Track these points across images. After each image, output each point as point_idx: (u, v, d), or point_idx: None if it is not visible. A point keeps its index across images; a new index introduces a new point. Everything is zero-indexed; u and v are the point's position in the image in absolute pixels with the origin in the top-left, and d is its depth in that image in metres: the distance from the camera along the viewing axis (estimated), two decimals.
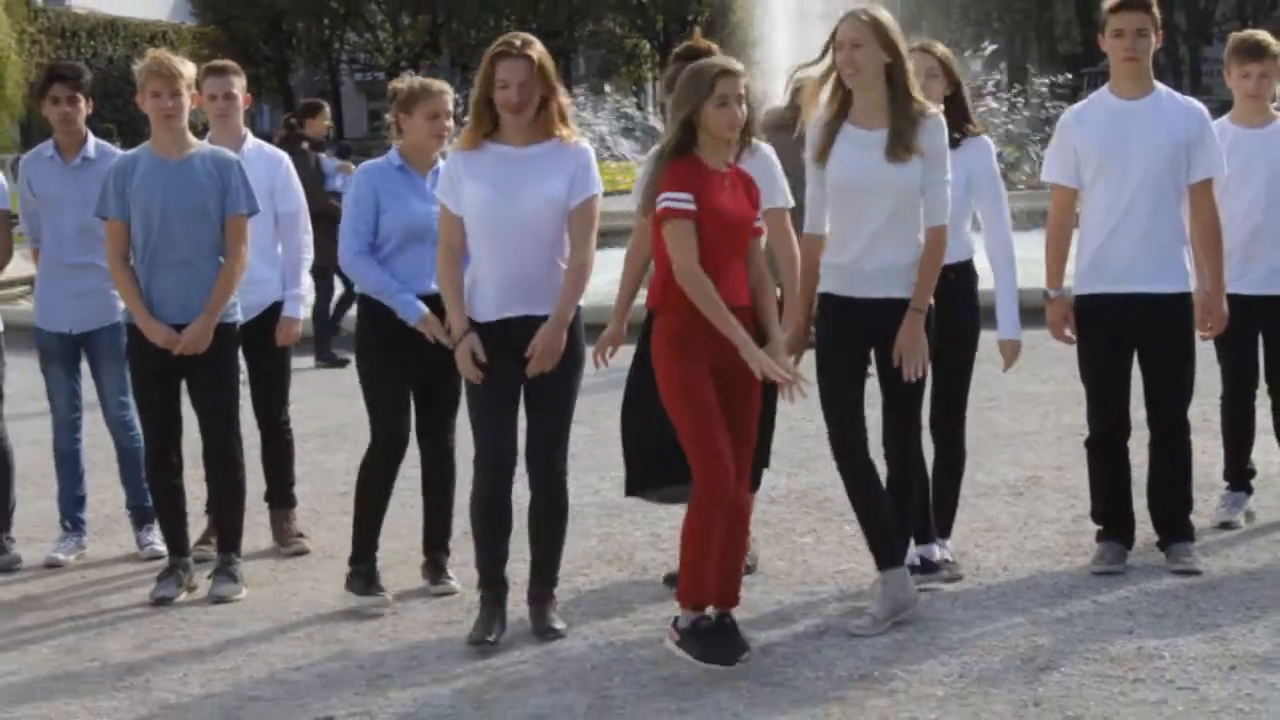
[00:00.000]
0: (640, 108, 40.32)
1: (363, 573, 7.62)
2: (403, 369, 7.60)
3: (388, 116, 7.90)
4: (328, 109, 17.04)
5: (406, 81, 7.76)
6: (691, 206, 6.44)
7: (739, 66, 6.68)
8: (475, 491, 7.14)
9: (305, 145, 15.81)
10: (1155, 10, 7.66)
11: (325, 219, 14.91)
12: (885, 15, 6.93)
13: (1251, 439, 8.66)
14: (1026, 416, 11.31)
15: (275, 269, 8.73)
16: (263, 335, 8.57)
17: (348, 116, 75.89)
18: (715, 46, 7.71)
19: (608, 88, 42.44)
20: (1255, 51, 8.43)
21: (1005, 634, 6.73)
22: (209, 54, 69.43)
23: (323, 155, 16.37)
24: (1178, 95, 7.86)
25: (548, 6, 70.81)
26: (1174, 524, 7.74)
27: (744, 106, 6.60)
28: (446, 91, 7.83)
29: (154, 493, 8.21)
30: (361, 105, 77.67)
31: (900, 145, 6.79)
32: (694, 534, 6.46)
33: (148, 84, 7.86)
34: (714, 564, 6.49)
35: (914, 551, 7.34)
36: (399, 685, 6.62)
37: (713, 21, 69.00)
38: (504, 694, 6.49)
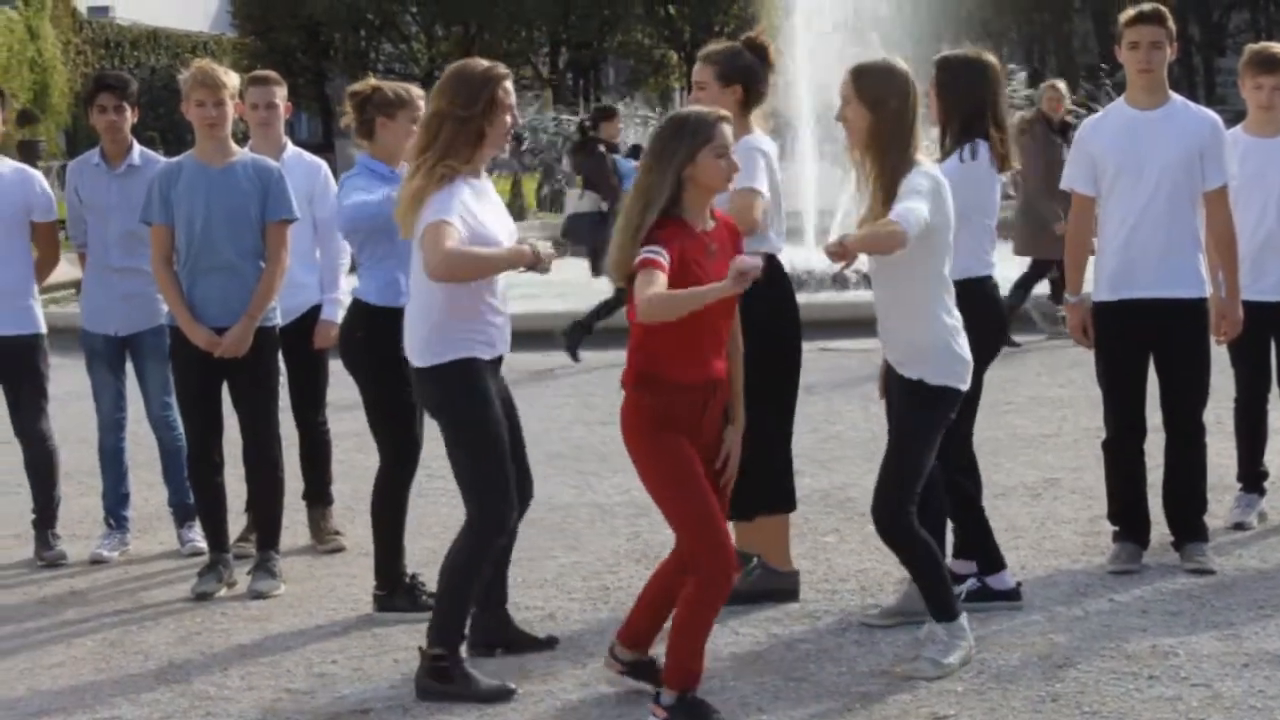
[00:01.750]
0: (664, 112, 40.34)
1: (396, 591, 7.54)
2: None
3: (346, 120, 7.67)
4: (620, 113, 17.03)
5: (389, 86, 7.63)
6: (665, 260, 5.77)
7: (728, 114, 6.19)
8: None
9: (601, 148, 15.86)
10: (1170, 23, 7.72)
11: None
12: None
13: (1264, 442, 8.66)
14: (1045, 420, 11.28)
15: (314, 274, 8.75)
16: (301, 338, 8.57)
17: None
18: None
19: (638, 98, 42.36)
20: (1269, 64, 8.44)
21: (1023, 631, 6.74)
22: (249, 64, 69.60)
23: (618, 157, 16.35)
24: (1192, 105, 7.90)
25: (578, 18, 70.74)
26: (1189, 525, 7.74)
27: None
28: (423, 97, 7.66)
29: (196, 491, 8.25)
30: None
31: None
32: (702, 622, 5.95)
33: (192, 93, 7.90)
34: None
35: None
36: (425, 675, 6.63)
37: (737, 33, 69.18)
38: (536, 686, 6.50)
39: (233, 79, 8.07)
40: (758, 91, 7.48)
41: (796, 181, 26.55)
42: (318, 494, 8.89)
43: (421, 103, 7.45)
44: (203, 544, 8.41)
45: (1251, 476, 8.61)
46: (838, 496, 7.27)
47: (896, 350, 6.49)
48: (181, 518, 8.82)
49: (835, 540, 7.98)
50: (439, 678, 6.35)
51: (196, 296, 7.87)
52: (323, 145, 72.37)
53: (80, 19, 62.06)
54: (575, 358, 15.05)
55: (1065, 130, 15.13)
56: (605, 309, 15.06)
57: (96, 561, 8.67)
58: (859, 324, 15.46)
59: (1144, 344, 7.68)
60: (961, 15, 70.18)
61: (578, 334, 15.27)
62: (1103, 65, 55.21)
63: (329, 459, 8.90)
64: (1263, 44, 8.81)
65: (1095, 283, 7.79)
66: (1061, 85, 16.14)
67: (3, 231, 8.73)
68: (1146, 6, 7.72)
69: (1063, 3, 68.59)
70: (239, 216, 7.88)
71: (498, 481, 6.45)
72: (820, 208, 24.04)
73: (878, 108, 6.37)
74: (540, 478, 10.02)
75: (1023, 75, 30.18)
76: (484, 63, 6.73)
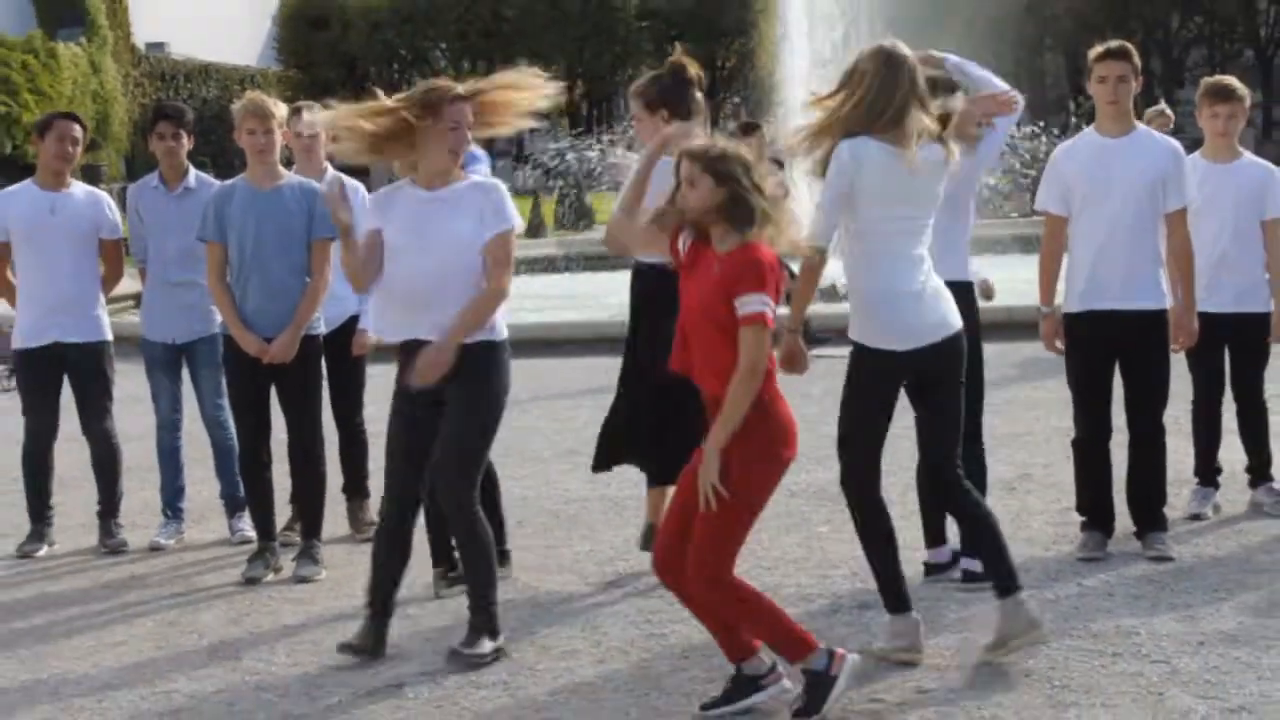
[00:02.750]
0: None
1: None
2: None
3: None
4: (765, 128, 17.00)
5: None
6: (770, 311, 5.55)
7: None
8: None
9: None
10: (1135, 59, 7.74)
11: None
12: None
13: (1218, 440, 8.67)
14: (1019, 420, 11.30)
15: None
16: (341, 345, 8.60)
17: None
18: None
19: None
20: (1224, 94, 8.49)
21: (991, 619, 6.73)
22: (291, 95, 69.55)
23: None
24: (1155, 134, 7.91)
25: (592, 55, 70.82)
26: (1150, 516, 7.77)
27: None
28: None
29: (246, 484, 8.29)
30: None
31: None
32: (763, 609, 5.76)
33: (244, 122, 7.95)
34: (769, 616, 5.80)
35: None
36: (457, 653, 6.63)
37: (738, 67, 69.20)
38: (554, 664, 6.51)
39: (281, 109, 8.13)
40: (682, 110, 7.56)
41: (792, 202, 26.62)
42: (356, 487, 8.91)
43: None
44: (251, 533, 8.43)
45: (1207, 472, 8.64)
46: (830, 491, 7.28)
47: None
48: (232, 509, 8.86)
49: (828, 530, 7.99)
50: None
51: (248, 308, 7.89)
52: (358, 167, 72.39)
53: (139, 54, 62.13)
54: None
55: None
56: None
57: (155, 549, 8.70)
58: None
59: (1110, 352, 7.70)
60: (943, 49, 70.32)
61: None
62: (1074, 99, 55.23)
63: (366, 455, 8.89)
64: (1217, 77, 8.87)
65: (1066, 295, 7.82)
66: (1167, 109, 15.88)
67: (75, 248, 8.80)
68: (1114, 44, 7.78)
69: (1035, 40, 68.54)
70: (287, 235, 7.92)
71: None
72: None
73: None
74: (557, 474, 10.11)
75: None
76: (443, 83, 6.96)
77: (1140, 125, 7.84)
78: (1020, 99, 7.46)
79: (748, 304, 5.54)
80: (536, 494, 9.50)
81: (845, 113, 6.25)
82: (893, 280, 6.27)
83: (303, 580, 7.88)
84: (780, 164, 18.93)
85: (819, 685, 5.71)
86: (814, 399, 9.57)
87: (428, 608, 7.29)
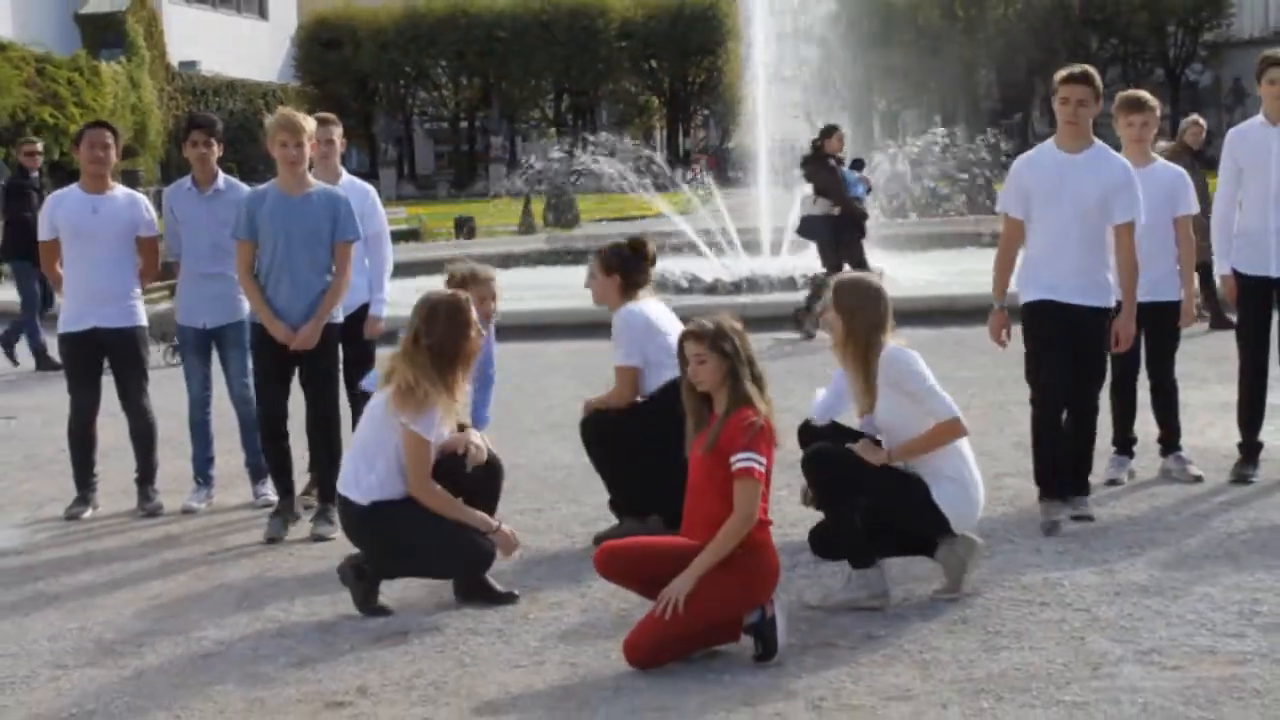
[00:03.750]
0: (652, 150, 40.16)
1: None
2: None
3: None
4: (843, 131, 16.93)
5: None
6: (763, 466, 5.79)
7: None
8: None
9: (832, 161, 15.83)
10: (1097, 83, 7.62)
11: (854, 220, 15.09)
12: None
13: (1133, 414, 8.69)
14: (956, 396, 11.29)
15: (364, 277, 8.70)
16: (354, 329, 8.61)
17: (419, 155, 76.04)
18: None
19: (625, 135, 42.29)
20: (1136, 105, 8.46)
21: (938, 568, 6.74)
22: (309, 108, 68.95)
23: (844, 169, 16.25)
24: (1110, 152, 7.74)
25: (577, 71, 70.71)
26: (1076, 481, 7.77)
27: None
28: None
29: (268, 452, 8.35)
30: (429, 147, 77.71)
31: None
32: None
33: (277, 135, 7.90)
34: None
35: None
36: (457, 605, 6.66)
37: (707, 82, 69.16)
38: (543, 613, 6.52)
39: (310, 123, 8.08)
40: (633, 278, 7.73)
41: (755, 203, 26.62)
42: None
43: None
44: (273, 497, 8.41)
45: (1123, 442, 8.67)
46: (788, 460, 7.26)
47: None
48: (255, 475, 8.84)
49: (787, 494, 7.98)
50: None
51: (278, 302, 7.95)
52: (368, 174, 72.48)
53: (172, 71, 61.87)
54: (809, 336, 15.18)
55: (1199, 156, 14.74)
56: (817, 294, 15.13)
57: (187, 511, 8.69)
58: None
59: (1062, 337, 7.60)
60: (888, 67, 70.41)
61: (801, 316, 15.41)
62: (1003, 118, 55.41)
63: None
64: (1131, 90, 8.82)
65: (1022, 286, 7.76)
66: (1201, 120, 15.76)
67: (115, 244, 8.80)
68: (1077, 69, 7.64)
69: (970, 59, 68.63)
70: (313, 238, 7.95)
71: None
72: (773, 225, 24.08)
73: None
74: (545, 443, 10.11)
75: (941, 129, 30.14)
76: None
77: (1098, 142, 7.70)
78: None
79: (740, 460, 5.74)
80: (527, 462, 9.50)
81: None
82: None
83: (319, 539, 7.87)
84: (861, 163, 19.02)
85: (764, 630, 5.76)
86: (775, 377, 9.56)
87: None
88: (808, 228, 16.30)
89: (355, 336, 8.65)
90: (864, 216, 16.29)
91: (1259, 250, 8.50)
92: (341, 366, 8.54)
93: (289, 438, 8.19)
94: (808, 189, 16.75)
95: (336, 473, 7.56)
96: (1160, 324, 8.52)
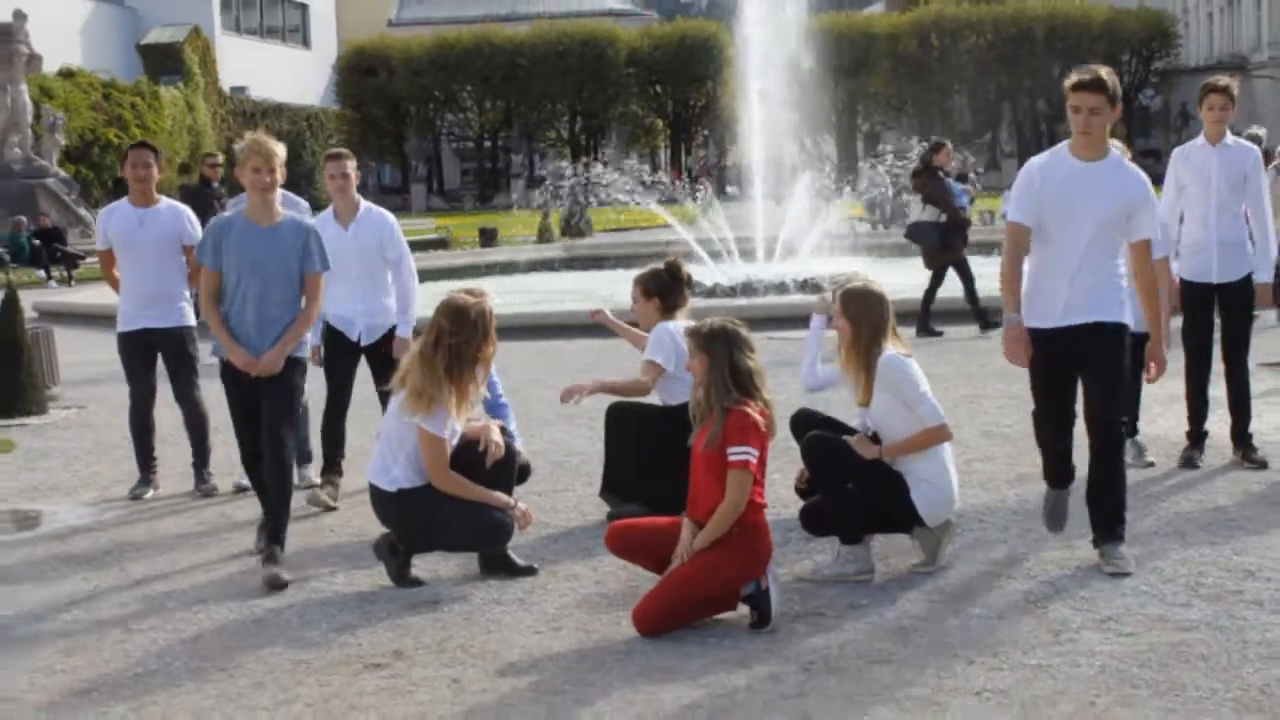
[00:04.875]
0: (654, 169, 40.11)
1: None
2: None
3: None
4: (950, 145, 16.89)
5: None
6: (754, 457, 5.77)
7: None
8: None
9: (940, 173, 15.85)
10: (1110, 88, 6.36)
11: (958, 227, 15.29)
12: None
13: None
14: (931, 388, 11.30)
15: (390, 299, 8.47)
16: (383, 347, 8.41)
17: (447, 171, 76.02)
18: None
19: (632, 154, 42.21)
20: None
21: (916, 545, 6.74)
22: (347, 130, 69.71)
23: (950, 180, 16.25)
24: (1127, 162, 6.59)
25: (588, 95, 70.71)
26: (1107, 518, 6.59)
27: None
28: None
29: (250, 478, 7.32)
30: (456, 164, 77.66)
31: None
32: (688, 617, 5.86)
33: (249, 161, 6.91)
34: None
35: None
36: (482, 577, 6.67)
37: (707, 106, 69.05)
38: (560, 584, 6.53)
39: (281, 149, 7.07)
40: (671, 301, 7.71)
41: (749, 214, 26.63)
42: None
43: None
44: (316, 478, 8.44)
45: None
46: (781, 446, 7.27)
47: None
48: (301, 460, 8.80)
49: (780, 477, 7.98)
50: None
51: (242, 331, 6.93)
52: (400, 189, 72.63)
53: (225, 95, 61.96)
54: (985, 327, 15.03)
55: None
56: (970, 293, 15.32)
57: (239, 491, 8.67)
58: (794, 320, 15.61)
59: (1071, 364, 6.50)
60: (870, 92, 70.39)
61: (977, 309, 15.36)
62: (975, 138, 55.24)
63: None
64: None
65: (1030, 306, 6.51)
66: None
67: (161, 252, 8.80)
68: (1086, 75, 6.39)
69: (944, 83, 68.58)
70: (282, 269, 6.92)
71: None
72: (766, 234, 24.10)
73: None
74: (560, 432, 10.11)
75: (919, 146, 30.17)
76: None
77: (1114, 152, 6.53)
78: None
79: (736, 453, 5.72)
80: (544, 449, 9.49)
81: None
82: None
83: (272, 583, 6.70)
84: (965, 177, 19.00)
85: (760, 600, 5.78)
86: (769, 371, 9.58)
87: None
88: (916, 232, 16.27)
89: (384, 356, 8.31)
90: (967, 223, 16.29)
91: (1201, 259, 8.43)
92: (373, 384, 8.36)
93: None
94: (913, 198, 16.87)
95: (286, 515, 6.98)
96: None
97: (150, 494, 8.79)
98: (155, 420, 8.99)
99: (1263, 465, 8.26)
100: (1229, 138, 8.44)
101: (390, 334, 8.44)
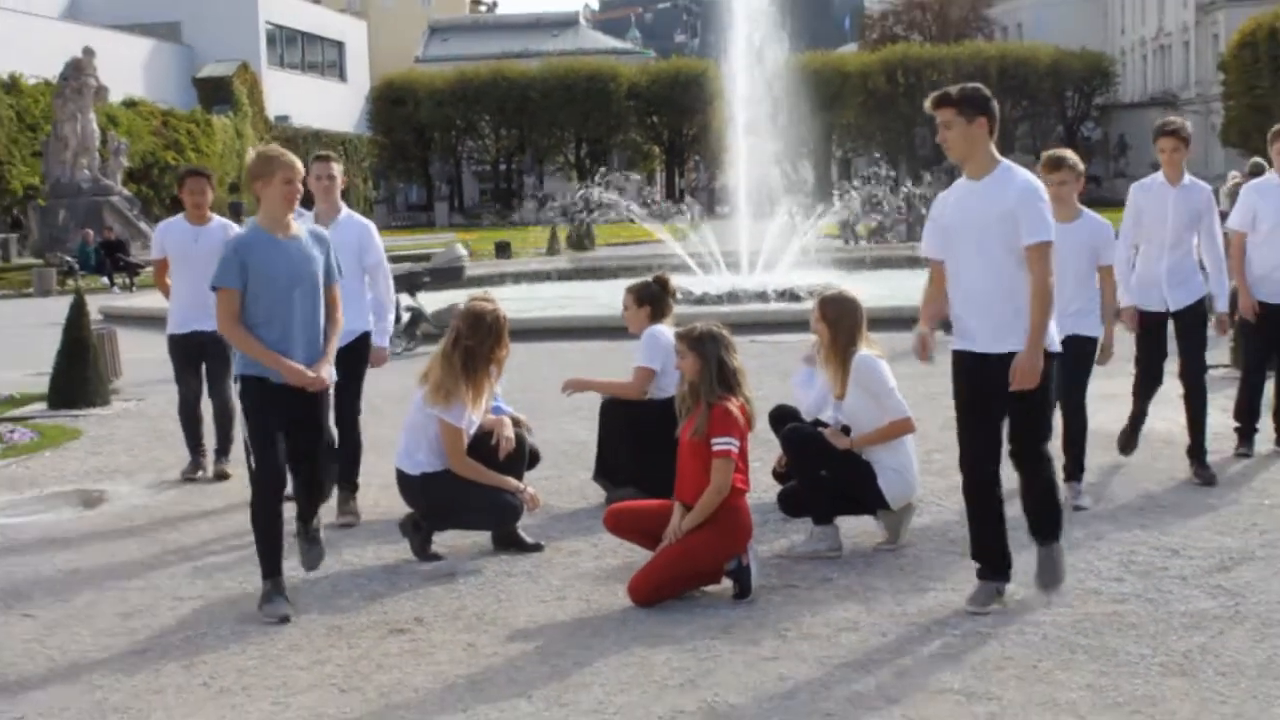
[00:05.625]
0: (650, 185, 40.03)
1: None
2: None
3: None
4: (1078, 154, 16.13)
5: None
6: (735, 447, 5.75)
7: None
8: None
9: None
10: (962, 106, 5.50)
11: None
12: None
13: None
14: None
15: (360, 304, 7.52)
16: (351, 355, 7.25)
17: (467, 191, 75.95)
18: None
19: (633, 176, 42.13)
20: (1055, 164, 7.26)
21: (880, 525, 6.74)
22: (378, 154, 69.70)
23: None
24: (1015, 170, 5.56)
25: (593, 124, 70.72)
26: (1036, 523, 5.78)
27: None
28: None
29: (266, 528, 5.90)
30: (475, 185, 77.52)
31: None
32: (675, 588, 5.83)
33: (278, 173, 5.86)
34: None
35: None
36: (494, 553, 6.66)
37: (698, 134, 68.97)
38: (565, 559, 6.53)
39: (299, 163, 6.07)
40: (659, 309, 7.69)
41: (736, 230, 26.61)
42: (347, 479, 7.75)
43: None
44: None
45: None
46: (761, 438, 7.25)
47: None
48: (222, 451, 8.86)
49: (759, 466, 7.98)
50: None
51: (294, 345, 5.84)
52: (425, 207, 72.60)
53: (270, 123, 61.94)
54: None
55: None
56: None
57: (221, 478, 8.72)
58: (775, 326, 15.64)
59: (987, 392, 5.52)
60: (844, 123, 70.29)
61: None
62: (935, 164, 55.02)
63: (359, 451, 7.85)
64: (1054, 150, 7.58)
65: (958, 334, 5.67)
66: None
67: (211, 266, 7.81)
68: (940, 90, 5.65)
69: (908, 116, 68.51)
70: (313, 280, 5.90)
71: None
72: (750, 249, 24.09)
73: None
74: (565, 424, 10.10)
75: (884, 164, 30.17)
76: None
77: (1003, 164, 5.55)
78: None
79: (719, 443, 5.71)
80: (552, 438, 9.48)
81: None
82: None
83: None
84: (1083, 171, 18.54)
85: (741, 574, 5.77)
86: (752, 372, 9.62)
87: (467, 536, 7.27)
88: None
89: (349, 362, 7.16)
90: None
91: (1154, 292, 7.94)
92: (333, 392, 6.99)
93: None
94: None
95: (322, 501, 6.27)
96: (1075, 355, 6.85)
97: (200, 475, 8.79)
98: (202, 412, 8.98)
99: (1211, 482, 7.70)
100: (1186, 178, 7.90)
101: (356, 341, 7.47)
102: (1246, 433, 8.48)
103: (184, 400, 8.96)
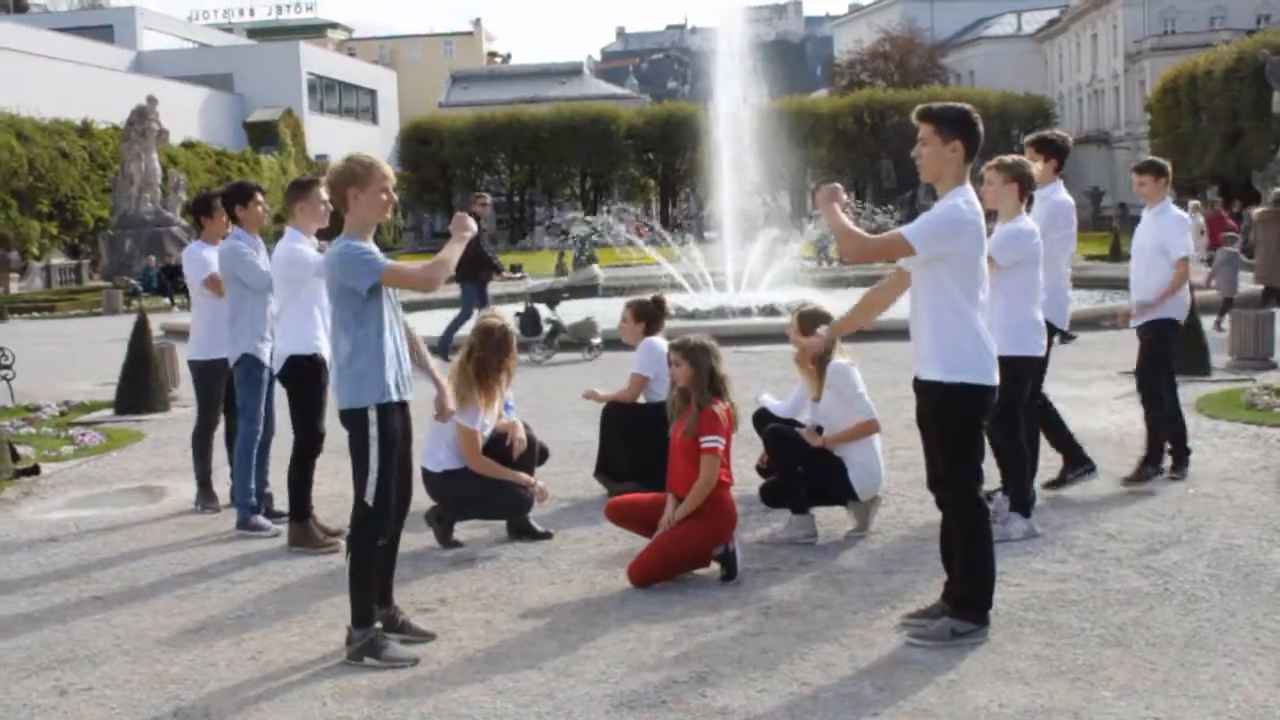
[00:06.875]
0: (647, 216, 40.06)
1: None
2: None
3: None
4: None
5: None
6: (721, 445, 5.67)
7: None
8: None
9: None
10: (940, 125, 4.76)
11: None
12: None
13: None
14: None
15: (320, 330, 6.62)
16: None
17: (485, 220, 75.80)
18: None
19: (630, 206, 42.15)
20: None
21: (850, 515, 6.70)
22: (404, 188, 69.66)
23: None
24: (953, 194, 4.77)
25: (596, 160, 70.83)
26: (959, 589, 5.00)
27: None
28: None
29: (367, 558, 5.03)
30: (492, 215, 77.26)
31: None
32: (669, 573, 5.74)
33: (383, 181, 4.89)
34: None
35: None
36: (509, 540, 6.62)
37: (689, 168, 68.98)
38: (571, 547, 6.49)
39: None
40: (654, 325, 7.69)
41: (724, 251, 26.61)
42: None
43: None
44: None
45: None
46: (745, 437, 7.23)
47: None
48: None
49: (744, 462, 7.96)
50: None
51: (407, 367, 5.02)
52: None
53: (310, 161, 61.97)
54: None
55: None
56: None
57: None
58: (759, 338, 15.61)
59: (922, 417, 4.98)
60: (816, 158, 70.29)
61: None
62: (898, 194, 55.03)
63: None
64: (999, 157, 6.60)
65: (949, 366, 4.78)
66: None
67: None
68: (924, 105, 4.90)
69: (874, 151, 68.51)
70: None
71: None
72: (735, 270, 24.06)
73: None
74: (572, 424, 10.08)
75: (851, 194, 30.16)
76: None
77: (957, 188, 4.77)
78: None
79: (707, 441, 5.67)
80: (560, 438, 9.46)
81: None
82: None
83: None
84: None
85: (728, 559, 5.75)
86: (738, 381, 9.62)
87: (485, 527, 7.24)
88: None
89: (297, 386, 6.64)
90: None
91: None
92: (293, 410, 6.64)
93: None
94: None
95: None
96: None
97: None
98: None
99: (1182, 478, 7.39)
100: (1158, 206, 7.61)
101: (299, 364, 6.58)
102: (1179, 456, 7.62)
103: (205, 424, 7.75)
